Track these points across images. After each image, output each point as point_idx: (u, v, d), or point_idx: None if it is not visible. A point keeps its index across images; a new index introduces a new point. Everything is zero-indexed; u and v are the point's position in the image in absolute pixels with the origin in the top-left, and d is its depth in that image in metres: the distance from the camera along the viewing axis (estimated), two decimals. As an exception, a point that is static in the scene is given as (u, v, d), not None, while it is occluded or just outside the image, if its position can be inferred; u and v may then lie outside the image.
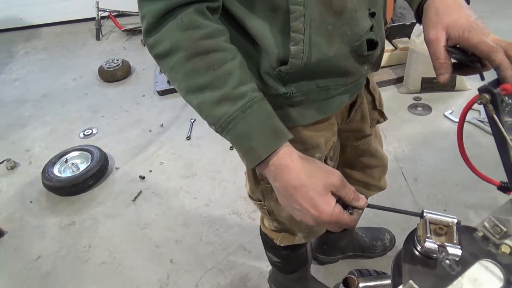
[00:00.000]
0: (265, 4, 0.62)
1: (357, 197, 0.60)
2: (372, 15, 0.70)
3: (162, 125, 2.53)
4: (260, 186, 0.89)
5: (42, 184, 2.06)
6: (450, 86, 2.44)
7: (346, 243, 1.54)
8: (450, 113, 2.29)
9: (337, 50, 0.67)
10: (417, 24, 1.97)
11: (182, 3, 0.57)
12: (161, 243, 1.77)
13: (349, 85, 0.76)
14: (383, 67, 2.62)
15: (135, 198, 2.01)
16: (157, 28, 0.58)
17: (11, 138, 2.57)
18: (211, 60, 0.58)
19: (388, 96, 2.50)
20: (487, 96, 0.56)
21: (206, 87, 0.59)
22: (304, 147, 0.80)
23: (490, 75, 0.58)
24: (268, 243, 1.16)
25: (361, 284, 0.64)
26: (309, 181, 0.58)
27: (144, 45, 3.42)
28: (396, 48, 2.66)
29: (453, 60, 0.64)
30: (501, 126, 0.55)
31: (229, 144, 2.25)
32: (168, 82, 2.86)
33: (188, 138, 2.39)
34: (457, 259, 0.52)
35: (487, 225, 0.57)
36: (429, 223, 0.55)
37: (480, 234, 0.57)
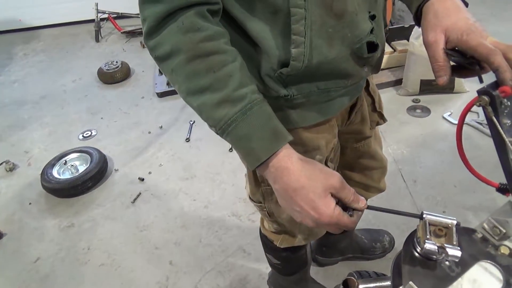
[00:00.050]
0: (266, 6, 0.62)
1: (357, 199, 0.60)
2: (372, 17, 0.70)
3: (161, 127, 2.53)
4: (261, 188, 0.89)
5: (41, 186, 2.06)
6: (448, 88, 2.45)
7: (346, 245, 1.54)
8: (448, 115, 2.29)
9: (337, 52, 0.68)
10: (416, 27, 1.97)
11: (183, 6, 0.57)
12: (160, 245, 1.76)
13: (349, 87, 0.77)
14: (382, 69, 2.63)
15: (134, 200, 2.01)
16: (158, 30, 0.59)
17: (10, 139, 2.57)
18: (212, 62, 0.58)
19: (387, 98, 2.50)
20: (486, 98, 0.56)
21: (207, 89, 0.59)
22: (305, 149, 0.81)
23: (488, 78, 0.58)
24: (268, 245, 1.16)
25: (361, 286, 0.64)
26: (309, 183, 0.58)
27: (144, 47, 3.47)
28: (395, 50, 2.67)
29: (452, 63, 0.64)
30: (500, 128, 0.55)
31: (228, 146, 2.25)
32: (167, 84, 2.86)
33: (187, 140, 2.39)
34: (456, 260, 0.52)
35: (486, 226, 0.57)
36: (429, 224, 0.55)
37: (480, 235, 0.57)
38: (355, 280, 0.65)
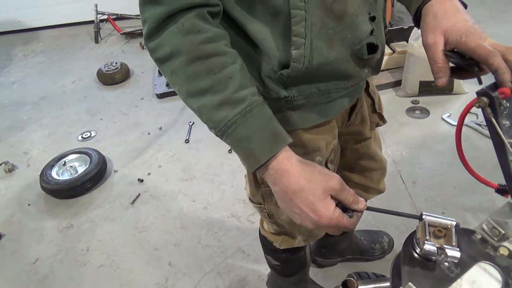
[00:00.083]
0: (266, 8, 0.62)
1: (357, 200, 0.61)
2: (372, 19, 0.70)
3: (160, 128, 2.53)
4: (261, 189, 0.89)
5: (40, 187, 2.05)
6: (448, 90, 2.45)
7: (345, 246, 1.54)
8: (448, 117, 2.30)
9: (337, 54, 0.68)
10: (415, 28, 1.98)
11: (183, 7, 0.57)
12: (160, 246, 1.76)
13: (349, 89, 0.77)
14: (381, 70, 2.63)
15: (134, 201, 2.01)
16: (158, 32, 0.59)
17: (9, 140, 2.56)
18: (212, 64, 0.59)
19: (386, 100, 2.50)
20: (485, 99, 0.56)
21: (207, 91, 0.59)
22: (305, 151, 0.81)
23: (488, 79, 0.58)
24: (267, 246, 1.16)
25: (360, 287, 0.64)
26: (308, 185, 0.58)
27: (143, 48, 3.47)
28: (394, 52, 2.67)
29: (451, 64, 0.65)
30: (499, 129, 0.56)
31: (227, 147, 2.25)
32: (167, 85, 2.86)
33: (186, 141, 2.39)
34: (456, 261, 0.53)
35: (485, 227, 0.57)
36: (428, 225, 0.55)
37: (479, 236, 0.58)
38: (354, 281, 0.65)
